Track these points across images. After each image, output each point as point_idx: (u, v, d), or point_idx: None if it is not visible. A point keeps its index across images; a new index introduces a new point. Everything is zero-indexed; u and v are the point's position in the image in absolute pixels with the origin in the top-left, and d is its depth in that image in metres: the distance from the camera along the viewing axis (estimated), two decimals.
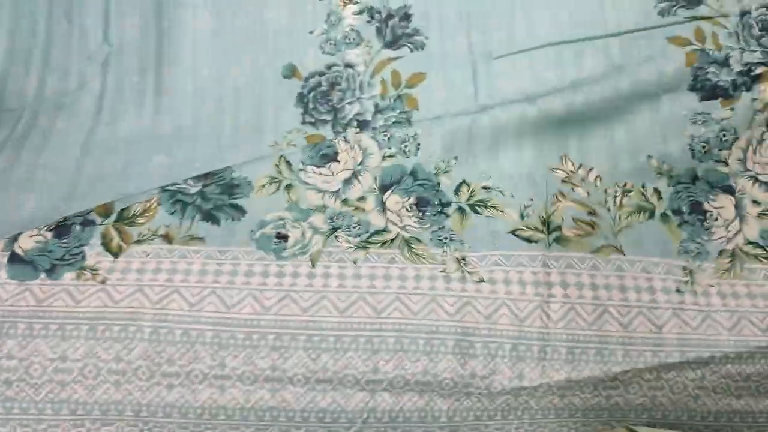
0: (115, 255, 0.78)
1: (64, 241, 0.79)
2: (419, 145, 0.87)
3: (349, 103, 0.91)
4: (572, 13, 0.93)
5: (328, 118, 0.91)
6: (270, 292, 0.75)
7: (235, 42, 0.95)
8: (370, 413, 0.71)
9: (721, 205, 0.84)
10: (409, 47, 0.94)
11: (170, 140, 0.89)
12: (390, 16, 0.95)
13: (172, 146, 0.88)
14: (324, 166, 0.86)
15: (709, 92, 0.88)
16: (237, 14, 0.97)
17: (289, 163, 0.85)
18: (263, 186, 0.84)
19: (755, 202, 0.84)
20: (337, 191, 0.84)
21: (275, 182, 0.84)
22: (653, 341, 0.74)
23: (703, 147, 0.86)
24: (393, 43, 0.94)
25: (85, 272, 0.76)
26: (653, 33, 0.90)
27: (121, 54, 0.95)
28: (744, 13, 0.91)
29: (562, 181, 0.85)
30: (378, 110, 0.91)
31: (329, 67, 0.94)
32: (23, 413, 0.70)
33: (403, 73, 0.92)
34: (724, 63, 0.89)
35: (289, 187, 0.84)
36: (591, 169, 0.86)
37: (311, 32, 0.96)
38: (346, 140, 0.87)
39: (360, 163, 0.86)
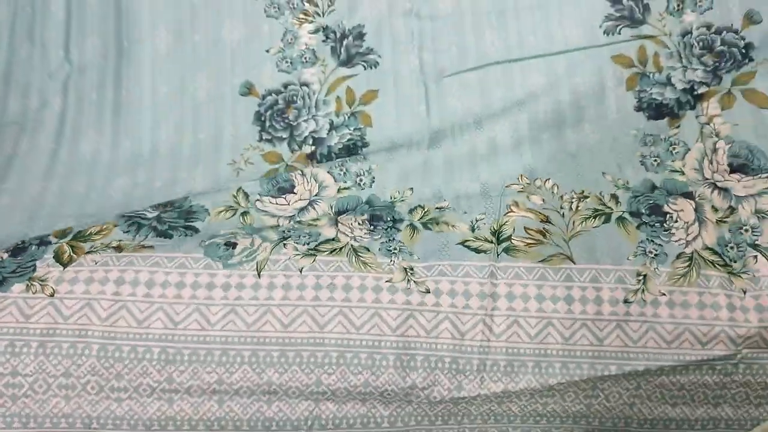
0: (65, 265, 0.79)
1: (18, 258, 0.80)
2: (374, 178, 0.90)
3: (305, 121, 0.95)
4: (520, 32, 0.96)
5: (285, 135, 0.95)
6: (216, 306, 0.76)
7: (193, 60, 0.97)
8: (314, 420, 0.74)
9: (681, 207, 0.84)
10: (363, 65, 0.97)
11: (130, 161, 0.92)
12: (344, 36, 0.97)
13: (133, 167, 0.91)
14: (281, 197, 0.88)
15: (656, 111, 0.92)
16: (195, 32, 0.99)
17: (246, 195, 0.88)
18: (219, 212, 0.87)
19: (714, 208, 0.84)
20: (292, 216, 0.86)
21: (231, 210, 0.87)
22: (592, 354, 0.75)
23: (656, 161, 0.88)
24: (347, 62, 0.97)
25: (33, 284, 0.78)
26: (599, 51, 0.94)
27: (82, 73, 0.97)
28: (685, 34, 0.93)
29: (518, 191, 0.86)
30: (333, 127, 0.95)
31: (285, 86, 0.97)
32: None
33: (357, 90, 0.96)
34: (667, 83, 0.92)
35: (245, 213, 0.87)
36: (548, 180, 0.87)
37: (267, 50, 0.98)
38: (302, 174, 0.89)
39: (316, 195, 0.88)
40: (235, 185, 0.90)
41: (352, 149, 0.94)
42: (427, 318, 0.76)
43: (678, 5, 0.94)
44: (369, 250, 0.81)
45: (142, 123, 0.96)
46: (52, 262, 0.80)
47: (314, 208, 0.87)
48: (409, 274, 0.79)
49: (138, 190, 0.91)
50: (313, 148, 0.94)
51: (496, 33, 0.96)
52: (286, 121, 0.95)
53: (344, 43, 0.98)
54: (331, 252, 0.80)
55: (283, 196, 0.89)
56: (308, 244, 0.81)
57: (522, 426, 0.76)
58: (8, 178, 0.91)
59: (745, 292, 0.78)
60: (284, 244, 0.81)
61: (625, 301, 0.77)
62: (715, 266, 0.80)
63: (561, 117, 0.92)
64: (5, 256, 0.80)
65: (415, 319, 0.76)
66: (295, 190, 0.89)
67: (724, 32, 0.91)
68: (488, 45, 0.96)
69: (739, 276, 0.79)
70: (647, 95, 0.92)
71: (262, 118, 0.96)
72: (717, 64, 0.91)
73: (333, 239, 0.82)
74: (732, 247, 0.81)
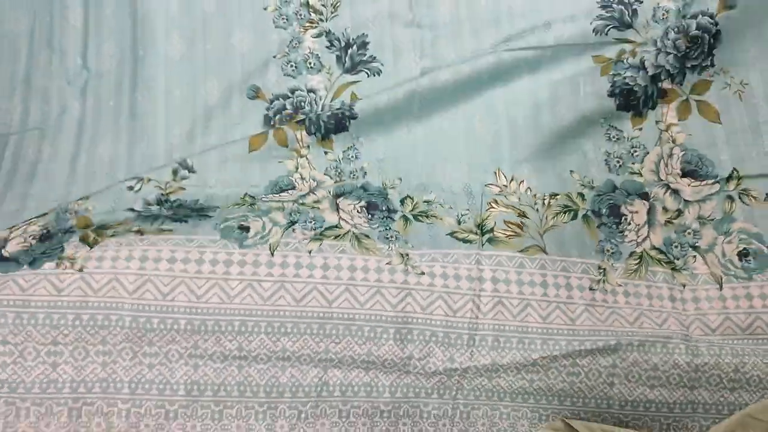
0: (91, 246, 0.86)
1: (46, 243, 0.86)
2: (366, 173, 0.97)
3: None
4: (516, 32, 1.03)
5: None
6: (234, 281, 0.85)
7: (204, 65, 1.03)
8: (323, 387, 0.84)
9: (636, 209, 0.96)
10: (366, 72, 1.03)
11: (144, 164, 0.97)
12: (349, 45, 1.04)
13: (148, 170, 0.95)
14: (283, 192, 0.95)
15: (625, 100, 0.99)
16: (206, 39, 1.04)
17: (252, 197, 0.94)
18: (228, 207, 0.93)
19: (665, 209, 0.97)
20: (294, 200, 0.94)
21: (239, 205, 0.93)
22: (567, 332, 0.87)
23: (618, 162, 0.99)
24: (352, 69, 1.03)
25: (63, 261, 0.84)
26: (580, 49, 1.01)
27: (100, 78, 1.02)
28: (666, 28, 1.01)
29: (496, 195, 0.96)
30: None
31: (293, 91, 1.02)
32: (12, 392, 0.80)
33: (360, 93, 1.01)
34: (640, 66, 0.99)
35: (252, 205, 0.93)
36: (522, 182, 0.97)
37: (274, 56, 1.04)
38: (302, 177, 0.96)
39: (315, 186, 0.96)
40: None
41: (341, 119, 0.98)
42: (422, 296, 0.87)
43: (663, 14, 1.02)
44: (369, 237, 0.91)
45: (156, 126, 1.00)
46: (79, 244, 0.86)
47: (314, 193, 0.95)
48: (405, 258, 0.89)
49: (134, 153, 0.98)
50: (303, 116, 0.99)
51: (493, 38, 1.03)
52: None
53: (349, 51, 1.04)
54: (336, 237, 0.90)
55: (287, 191, 0.95)
56: (314, 229, 0.90)
57: (512, 405, 0.86)
58: (33, 183, 0.95)
59: (684, 286, 0.92)
60: (293, 229, 0.90)
61: (590, 289, 0.90)
62: (660, 263, 0.93)
63: (538, 103, 1.00)
64: (34, 242, 0.85)
65: (412, 297, 0.87)
66: (296, 188, 0.95)
67: (700, 15, 0.98)
68: (486, 47, 1.02)
69: (680, 272, 0.93)
70: (620, 79, 0.99)
71: (272, 122, 1.00)
72: (688, 50, 0.98)
73: (336, 226, 0.91)
74: (676, 246, 0.94)
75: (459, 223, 0.93)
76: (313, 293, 0.85)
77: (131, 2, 1.05)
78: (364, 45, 1.05)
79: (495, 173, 0.98)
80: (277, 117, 1.01)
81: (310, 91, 1.03)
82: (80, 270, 0.83)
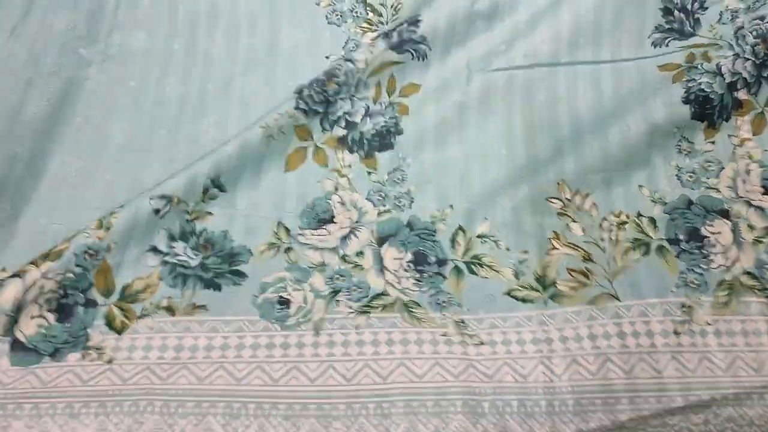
0: (119, 332, 0.80)
1: (67, 325, 0.80)
2: (413, 199, 0.90)
3: (342, 99, 0.93)
4: (571, 37, 0.97)
5: (320, 109, 0.92)
6: (277, 364, 0.78)
7: (246, 61, 1.00)
8: None
9: (718, 230, 0.87)
10: (411, 53, 0.96)
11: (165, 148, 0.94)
12: (401, 23, 0.97)
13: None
14: (321, 228, 0.88)
15: (701, 107, 0.92)
16: (251, 35, 1.01)
17: (287, 229, 0.87)
18: (262, 252, 0.86)
19: (750, 226, 0.87)
20: (335, 248, 0.87)
21: (274, 247, 0.87)
22: (656, 386, 0.76)
23: (691, 176, 0.91)
24: (398, 46, 0.95)
25: (90, 352, 0.78)
26: (645, 63, 0.95)
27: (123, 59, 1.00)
28: (738, 29, 0.96)
29: (558, 214, 0.88)
30: (368, 113, 0.94)
31: (327, 57, 0.98)
32: None
33: (399, 80, 0.95)
34: (717, 72, 0.93)
35: (288, 249, 0.87)
36: (587, 195, 0.89)
37: (327, 57, 0.99)
38: (342, 202, 0.89)
39: (357, 221, 0.88)
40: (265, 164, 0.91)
41: (385, 136, 0.93)
42: (486, 365, 0.78)
43: (732, 15, 0.97)
44: (419, 305, 0.83)
45: (184, 117, 0.96)
46: (105, 329, 0.80)
47: (356, 236, 0.87)
48: (461, 327, 0.81)
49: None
50: (345, 132, 0.93)
51: (546, 35, 0.97)
52: (324, 94, 0.92)
53: (398, 29, 0.96)
54: (383, 308, 0.82)
55: (324, 227, 0.88)
56: (360, 300, 0.83)
57: None
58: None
59: None
60: (337, 301, 0.83)
61: (675, 333, 0.79)
62: (754, 291, 0.83)
63: (603, 114, 0.93)
64: (51, 318, 0.80)
65: (475, 367, 0.78)
66: (334, 220, 0.88)
67: None
68: (537, 46, 0.97)
69: None
70: (696, 85, 0.93)
71: (300, 89, 0.92)
72: (767, 57, 0.92)
73: (383, 293, 0.84)
74: None
75: (517, 276, 0.84)
76: (364, 370, 0.77)
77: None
78: (415, 23, 0.96)
79: (558, 185, 0.90)
80: (312, 84, 0.92)
81: (348, 60, 0.93)
82: (109, 362, 0.77)
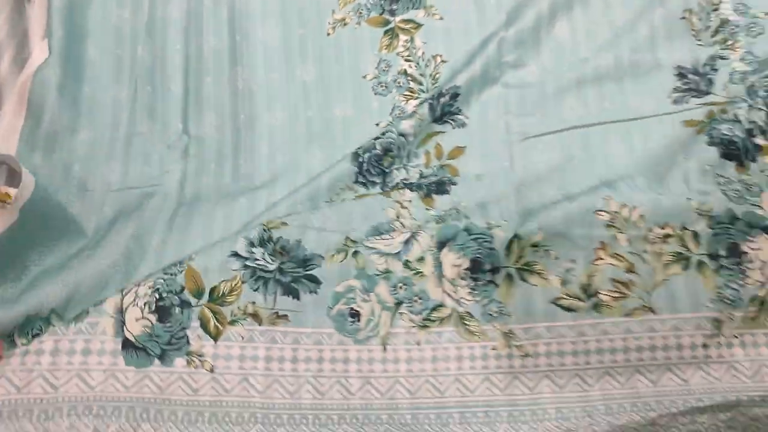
0: (215, 338, 0.96)
1: (168, 325, 0.96)
2: (467, 216, 1.01)
3: (397, 169, 1.05)
4: (598, 101, 1.09)
5: (378, 180, 1.05)
6: (353, 378, 0.94)
7: (307, 133, 1.09)
8: None
9: (759, 246, 0.94)
10: (451, 124, 1.08)
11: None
12: (441, 94, 1.08)
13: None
14: (385, 235, 1.01)
15: (726, 149, 1.04)
16: (308, 108, 1.10)
17: (354, 241, 0.99)
18: (333, 256, 0.99)
19: None
20: (398, 253, 0.99)
21: (343, 251, 0.99)
22: (682, 391, 0.90)
23: (736, 193, 0.98)
24: (440, 119, 1.09)
25: (193, 359, 0.95)
26: (670, 118, 1.07)
27: (201, 144, 1.08)
28: (750, 86, 1.07)
29: (606, 225, 0.97)
30: (422, 176, 1.06)
31: (383, 133, 1.06)
32: None
33: (444, 147, 1.07)
34: (734, 119, 1.05)
35: (356, 254, 0.99)
36: (635, 208, 0.97)
37: (377, 124, 1.08)
38: (402, 225, 1.00)
39: (417, 229, 1.00)
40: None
41: (441, 184, 1.05)
42: (529, 377, 0.93)
43: (741, 76, 1.07)
44: (472, 316, 0.96)
45: (258, 188, 1.07)
46: (202, 333, 0.96)
47: (417, 241, 1.00)
48: (509, 338, 0.94)
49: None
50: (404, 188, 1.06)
51: (576, 100, 1.08)
52: (381, 167, 1.06)
53: (440, 101, 1.08)
54: (441, 322, 0.96)
55: (388, 233, 1.01)
56: (421, 313, 0.97)
57: None
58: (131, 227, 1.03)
59: None
60: (400, 312, 0.97)
61: (703, 346, 0.91)
62: None
63: (637, 165, 1.04)
64: (153, 318, 0.95)
65: (519, 380, 0.93)
66: (395, 230, 1.01)
67: None
68: (568, 110, 1.08)
69: None
70: (718, 132, 1.04)
71: (360, 160, 1.05)
72: None
73: (441, 305, 0.97)
74: None
75: (564, 284, 0.96)
76: (425, 386, 0.93)
77: (231, 76, 1.11)
78: (455, 96, 1.08)
79: (605, 200, 0.98)
80: (366, 155, 1.05)
81: (400, 134, 1.06)
82: (211, 370, 0.95)
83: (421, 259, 0.98)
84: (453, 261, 0.98)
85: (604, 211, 0.97)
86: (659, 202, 0.98)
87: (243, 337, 0.96)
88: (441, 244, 0.99)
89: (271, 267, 0.98)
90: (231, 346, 0.96)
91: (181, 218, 1.03)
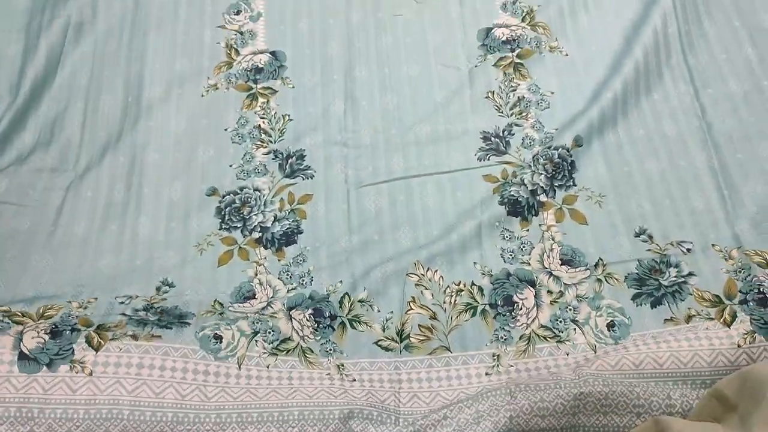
0: (96, 350, 1.11)
1: (58, 341, 1.11)
2: (312, 278, 1.29)
3: (255, 215, 1.35)
4: (418, 157, 1.41)
5: (239, 225, 1.34)
6: (210, 387, 1.11)
7: (173, 170, 1.41)
8: None
9: (525, 296, 1.24)
10: (302, 177, 1.40)
11: (115, 244, 1.33)
12: (290, 156, 1.42)
13: (117, 249, 1.32)
14: (246, 302, 1.26)
15: (513, 207, 1.33)
16: (179, 151, 1.44)
17: (221, 304, 1.25)
18: (203, 314, 1.22)
19: (549, 291, 1.24)
20: (257, 311, 1.24)
21: (212, 311, 1.24)
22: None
23: (511, 255, 1.30)
24: (290, 175, 1.40)
25: (75, 365, 1.09)
26: (475, 172, 1.39)
27: (81, 178, 1.41)
28: (534, 155, 1.39)
29: (415, 285, 1.27)
30: (276, 219, 1.34)
31: (241, 189, 1.38)
32: None
33: (296, 194, 1.38)
34: (521, 183, 1.35)
35: (221, 314, 1.23)
36: (436, 271, 1.29)
37: (231, 165, 1.41)
38: (260, 283, 1.28)
39: (272, 296, 1.27)
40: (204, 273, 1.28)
41: (290, 235, 1.32)
42: (358, 394, 1.14)
43: (530, 142, 1.41)
44: (312, 351, 1.20)
45: (126, 216, 1.35)
46: (86, 346, 1.11)
47: (272, 307, 1.23)
48: (341, 369, 1.18)
49: (122, 267, 1.29)
50: (261, 234, 1.32)
51: (401, 158, 1.41)
52: (241, 215, 1.34)
53: (289, 161, 1.41)
54: (288, 352, 1.19)
55: (248, 301, 1.24)
56: (272, 342, 1.19)
57: None
58: (10, 249, 1.29)
59: (568, 354, 1.17)
60: (256, 340, 1.19)
61: (486, 374, 1.18)
62: (546, 339, 1.21)
63: (445, 215, 1.34)
64: (46, 338, 1.12)
65: (350, 394, 1.14)
66: (256, 296, 1.25)
67: (560, 149, 1.37)
68: (395, 166, 1.40)
69: (564, 342, 1.19)
70: (508, 193, 1.34)
71: (222, 213, 1.35)
72: (554, 173, 1.35)
73: (288, 338, 1.21)
74: (561, 322, 1.21)
75: (384, 330, 1.23)
76: (272, 393, 1.13)
77: (119, 136, 1.45)
78: (302, 157, 1.42)
79: (415, 264, 1.28)
80: (227, 209, 1.36)
81: (256, 189, 1.38)
82: (90, 374, 1.10)
83: (274, 313, 1.24)
84: (299, 312, 1.24)
85: (414, 274, 1.28)
86: (453, 267, 1.28)
87: (120, 349, 1.14)
88: (290, 308, 1.26)
89: (151, 319, 1.21)
90: (109, 355, 1.13)
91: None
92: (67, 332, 1.16)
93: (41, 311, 1.22)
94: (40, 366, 1.12)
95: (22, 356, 1.13)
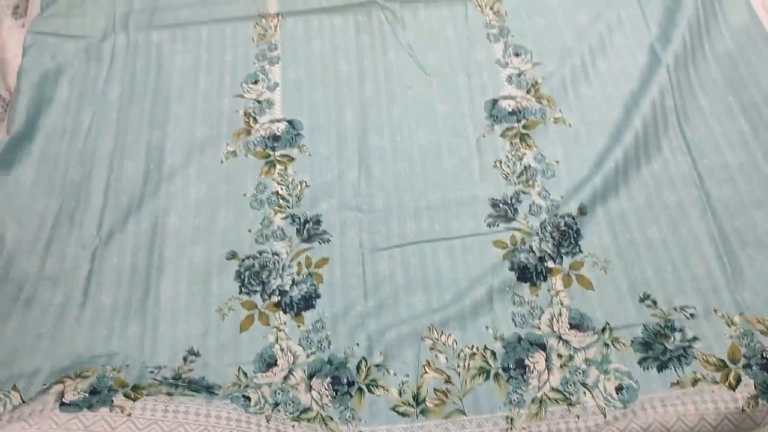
0: (134, 400, 1.18)
1: (96, 396, 1.18)
2: (330, 342, 1.35)
3: (274, 279, 1.40)
4: (430, 222, 1.47)
5: (258, 289, 1.40)
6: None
7: (192, 235, 1.47)
8: None
9: (537, 360, 1.29)
10: (318, 241, 1.45)
11: (139, 311, 1.38)
12: (307, 221, 1.47)
13: (142, 316, 1.37)
14: (269, 371, 1.31)
15: (522, 273, 1.39)
16: (198, 217, 1.50)
17: (245, 373, 1.31)
18: (228, 387, 1.28)
19: (559, 355, 1.29)
20: (279, 382, 1.30)
21: (237, 384, 1.29)
22: None
23: (522, 319, 1.36)
24: (308, 240, 1.45)
25: (114, 408, 1.16)
26: (484, 238, 1.44)
27: (107, 244, 1.46)
28: (542, 222, 1.45)
29: (430, 348, 1.33)
30: (294, 283, 1.40)
31: (260, 253, 1.44)
32: None
33: (313, 258, 1.43)
34: (529, 250, 1.40)
35: (246, 387, 1.28)
36: (450, 335, 1.34)
37: (249, 230, 1.47)
38: (281, 349, 1.34)
39: (293, 363, 1.32)
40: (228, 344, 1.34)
41: (308, 299, 1.38)
42: None
43: (537, 209, 1.47)
44: (332, 419, 1.25)
45: (150, 281, 1.41)
46: (124, 399, 1.18)
47: (293, 375, 1.30)
48: None
49: (147, 334, 1.35)
50: (279, 298, 1.37)
51: (413, 223, 1.47)
52: (260, 279, 1.40)
53: (306, 226, 1.46)
54: (308, 421, 1.25)
55: (271, 370, 1.30)
56: (293, 413, 1.25)
57: None
58: (46, 322, 1.35)
59: (578, 417, 1.22)
60: (278, 409, 1.25)
61: None
62: (557, 402, 1.26)
63: (457, 279, 1.39)
64: (86, 395, 1.18)
65: None
66: (278, 363, 1.30)
67: (566, 217, 1.44)
68: (407, 231, 1.46)
69: (575, 405, 1.24)
70: (517, 259, 1.39)
71: (242, 276, 1.41)
72: (560, 240, 1.41)
73: (308, 408, 1.26)
74: (571, 385, 1.26)
75: (400, 394, 1.28)
76: None
77: (141, 202, 1.51)
78: (318, 222, 1.48)
79: (429, 328, 1.34)
80: (247, 273, 1.41)
81: (274, 254, 1.44)
82: (129, 415, 1.17)
83: (296, 384, 1.30)
84: (319, 382, 1.30)
85: (429, 338, 1.34)
86: (465, 331, 1.33)
87: (156, 400, 1.20)
88: (310, 376, 1.31)
89: (182, 384, 1.27)
90: (146, 402, 1.20)
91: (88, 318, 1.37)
92: (105, 391, 1.22)
93: (78, 372, 1.27)
94: (80, 409, 1.17)
95: (63, 405, 1.18)
